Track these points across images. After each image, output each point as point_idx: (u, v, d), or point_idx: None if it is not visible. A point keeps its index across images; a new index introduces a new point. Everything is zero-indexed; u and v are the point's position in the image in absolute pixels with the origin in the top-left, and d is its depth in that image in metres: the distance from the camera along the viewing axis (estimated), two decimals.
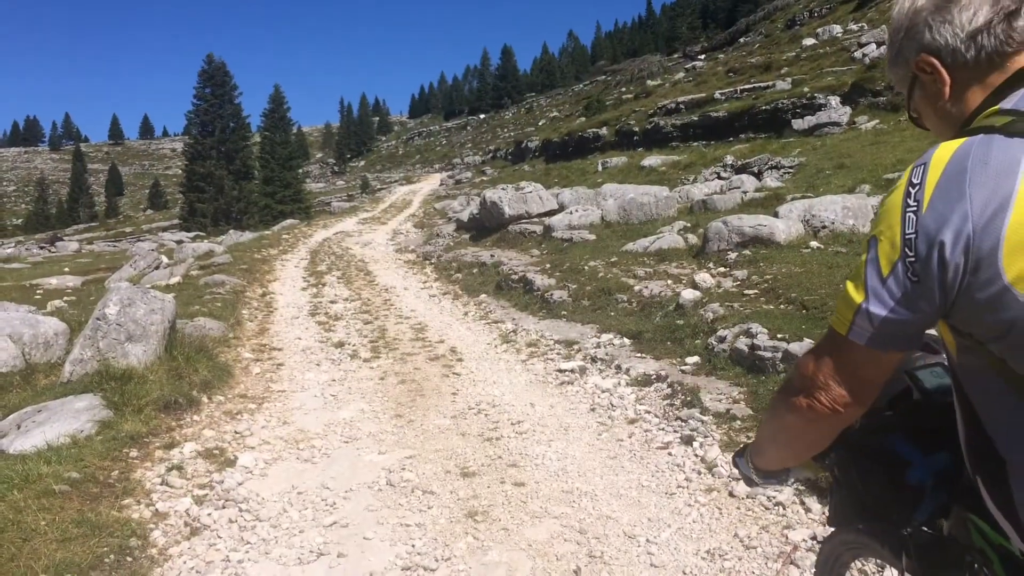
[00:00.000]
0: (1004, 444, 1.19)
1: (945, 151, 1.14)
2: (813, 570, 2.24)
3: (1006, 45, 1.21)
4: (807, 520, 3.89)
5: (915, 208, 1.13)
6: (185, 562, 3.73)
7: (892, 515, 1.51)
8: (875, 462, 1.50)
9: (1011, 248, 1.05)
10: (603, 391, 6.23)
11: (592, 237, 12.96)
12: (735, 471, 1.83)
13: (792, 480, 1.69)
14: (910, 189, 1.14)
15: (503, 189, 17.59)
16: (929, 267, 1.11)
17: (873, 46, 27.53)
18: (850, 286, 1.22)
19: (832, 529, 1.96)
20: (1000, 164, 1.08)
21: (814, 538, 3.71)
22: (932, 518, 1.49)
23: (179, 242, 31.91)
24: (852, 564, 2.08)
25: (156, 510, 4.27)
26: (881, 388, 1.27)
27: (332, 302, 11.71)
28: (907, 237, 1.13)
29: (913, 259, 1.12)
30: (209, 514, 4.27)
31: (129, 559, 3.67)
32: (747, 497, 4.19)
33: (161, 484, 4.61)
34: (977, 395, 1.24)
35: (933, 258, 1.10)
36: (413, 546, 3.87)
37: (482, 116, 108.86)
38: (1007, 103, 1.18)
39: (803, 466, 1.67)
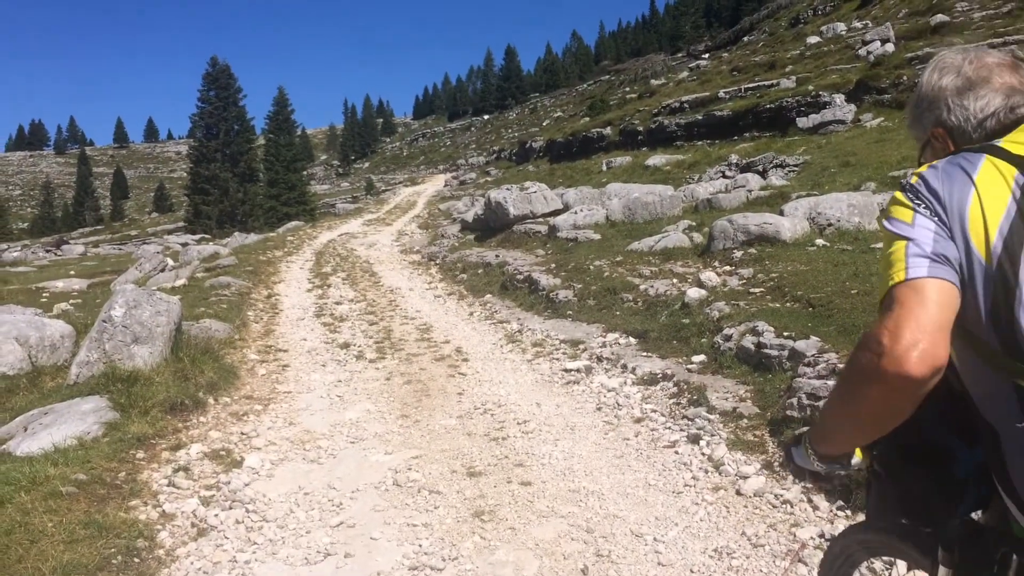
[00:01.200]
0: (992, 415, 1.33)
1: (957, 166, 1.39)
2: (818, 569, 2.24)
3: (1006, 129, 1.47)
4: (815, 518, 3.88)
5: (905, 181, 1.44)
6: (192, 563, 3.74)
7: (938, 510, 1.52)
8: (924, 456, 1.51)
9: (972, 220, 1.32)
10: (609, 390, 6.22)
11: (597, 237, 12.94)
12: (789, 464, 1.80)
13: (854, 468, 1.65)
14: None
15: (508, 189, 17.57)
16: (934, 201, 1.36)
17: (877, 43, 27.44)
18: (892, 250, 1.36)
19: (843, 528, 1.94)
20: (958, 166, 1.39)
21: (822, 536, 3.69)
22: (971, 511, 1.51)
23: (184, 245, 31.98)
24: (862, 564, 2.09)
25: (163, 511, 4.27)
26: (948, 336, 1.28)
27: (337, 303, 11.71)
28: (911, 191, 1.41)
29: (918, 198, 1.38)
30: (216, 515, 4.27)
31: (136, 560, 3.67)
32: (754, 495, 4.18)
33: (168, 485, 4.62)
34: (966, 375, 1.41)
35: (932, 199, 1.37)
36: (420, 546, 3.86)
37: (486, 117, 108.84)
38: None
39: (862, 459, 1.64)
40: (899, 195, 1.41)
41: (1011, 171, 1.33)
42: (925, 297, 1.27)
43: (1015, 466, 1.28)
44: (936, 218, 1.34)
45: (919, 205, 1.36)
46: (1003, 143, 1.40)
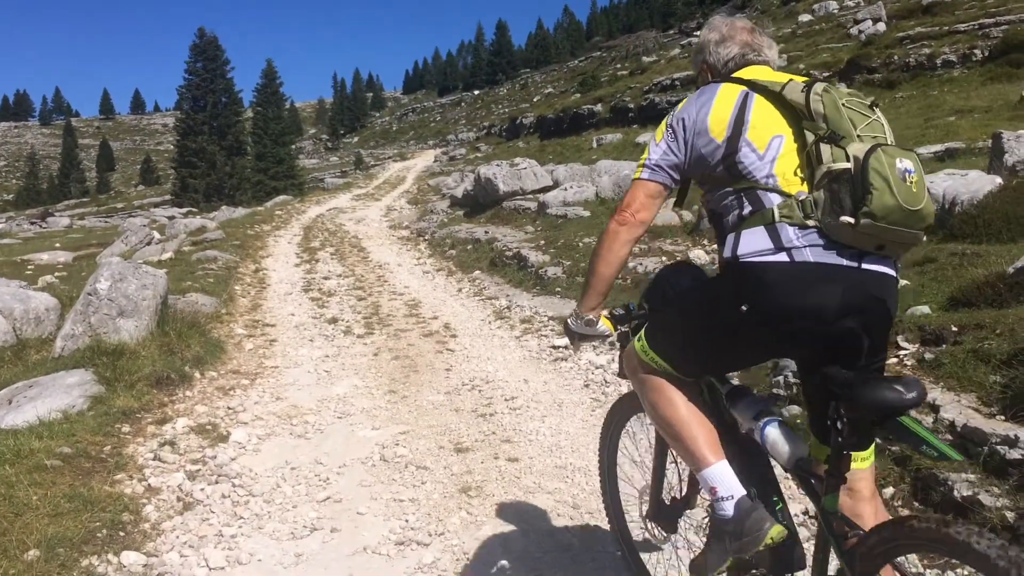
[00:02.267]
0: (732, 223, 2.15)
1: (707, 90, 2.29)
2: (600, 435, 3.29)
3: (739, 67, 2.39)
4: (799, 495, 3.90)
5: (673, 112, 2.31)
6: (178, 537, 3.73)
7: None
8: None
9: (712, 124, 2.18)
10: (597, 367, 6.23)
11: (587, 214, 12.91)
12: (566, 332, 2.64)
13: (601, 335, 2.57)
14: (672, 109, 2.34)
15: (497, 165, 17.49)
16: (678, 131, 2.25)
17: (869, 22, 27.41)
18: (642, 155, 2.32)
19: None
20: (711, 93, 2.25)
21: (806, 512, 3.72)
22: None
23: (171, 218, 31.78)
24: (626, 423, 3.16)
25: (149, 485, 4.26)
26: (654, 209, 2.31)
27: (325, 278, 11.67)
28: (669, 123, 2.29)
29: (671, 131, 2.27)
30: (202, 489, 4.26)
31: (121, 534, 3.66)
32: None
33: (153, 459, 4.60)
34: (716, 200, 2.24)
35: (679, 128, 2.25)
36: (407, 521, 3.87)
37: (476, 92, 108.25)
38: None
39: (606, 324, 2.57)
40: (663, 123, 2.31)
41: (738, 89, 2.22)
42: (643, 190, 2.29)
43: (733, 236, 2.11)
44: (673, 140, 2.25)
45: (667, 133, 2.27)
46: (736, 75, 2.32)
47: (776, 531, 2.10)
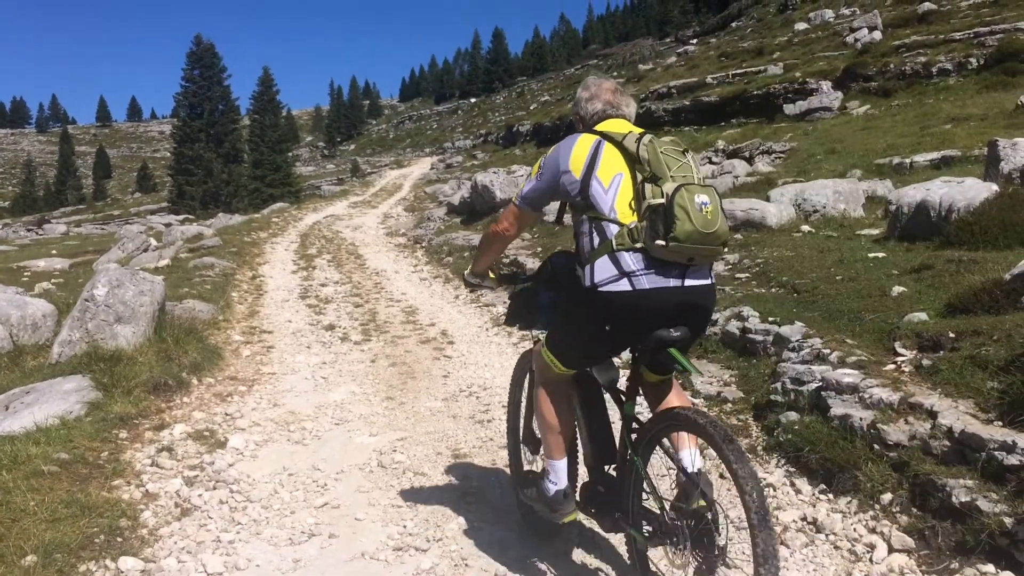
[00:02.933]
0: (587, 249, 2.85)
1: (571, 138, 2.98)
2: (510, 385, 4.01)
3: (601, 120, 3.08)
4: (797, 501, 3.91)
5: (547, 155, 3.04)
6: (176, 542, 3.72)
7: (531, 320, 3.40)
8: (525, 293, 3.42)
9: (572, 164, 2.87)
10: None
11: None
12: (463, 282, 3.85)
13: (489, 286, 3.67)
14: (547, 151, 3.07)
15: (494, 173, 17.54)
16: (547, 170, 2.97)
17: (865, 31, 27.49)
18: (521, 186, 3.12)
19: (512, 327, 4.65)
20: (573, 140, 2.94)
21: (804, 519, 3.73)
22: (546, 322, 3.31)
23: (168, 225, 31.68)
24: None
25: (146, 491, 4.25)
26: (522, 229, 3.25)
27: (323, 285, 11.67)
28: (542, 163, 3.01)
29: (543, 170, 2.99)
30: (200, 495, 4.26)
31: (119, 539, 3.65)
32: None
33: (151, 465, 4.59)
34: (576, 223, 2.93)
35: (548, 168, 2.96)
36: (405, 527, 3.87)
37: (473, 100, 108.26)
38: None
39: (492, 280, 3.57)
40: (538, 162, 3.04)
41: (593, 138, 2.91)
42: (515, 214, 3.15)
43: (589, 267, 2.78)
44: (542, 177, 2.99)
45: (540, 171, 3.01)
46: (596, 127, 3.00)
47: (570, 517, 3.23)
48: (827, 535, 3.57)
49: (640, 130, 2.94)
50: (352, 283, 11.75)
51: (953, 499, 3.31)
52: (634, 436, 2.95)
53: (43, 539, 3.42)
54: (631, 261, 2.68)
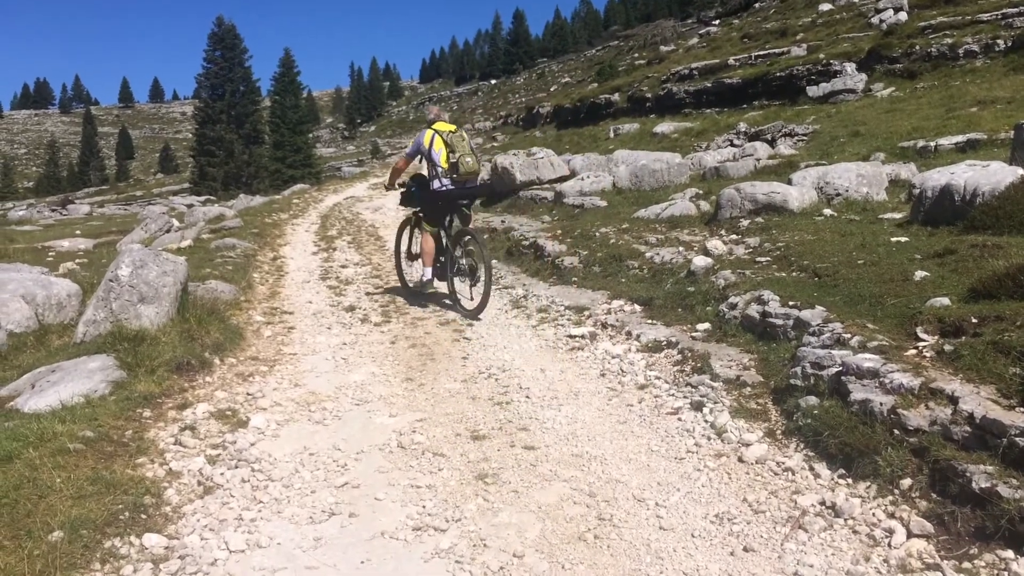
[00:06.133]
0: (431, 176, 8.36)
1: (424, 131, 8.48)
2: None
3: (434, 122, 8.46)
4: (816, 485, 3.91)
5: (415, 137, 8.78)
6: (199, 520, 3.78)
7: (411, 203, 8.78)
8: (408, 194, 8.80)
9: (424, 142, 8.31)
10: (613, 357, 6.24)
11: (603, 203, 12.89)
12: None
13: (395, 189, 9.20)
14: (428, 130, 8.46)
15: (514, 155, 17.46)
16: (418, 142, 8.40)
17: (890, 12, 27.06)
18: (407, 148, 8.94)
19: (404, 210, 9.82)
20: (424, 132, 8.42)
21: (823, 503, 3.73)
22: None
23: (190, 206, 31.96)
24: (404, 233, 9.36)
25: (170, 469, 4.32)
26: (407, 166, 9.21)
27: (343, 266, 11.72)
28: (416, 139, 8.49)
29: (416, 142, 8.47)
30: (222, 473, 4.32)
31: (143, 516, 3.72)
32: (756, 462, 4.21)
33: (174, 444, 4.66)
34: (430, 171, 8.39)
35: (418, 141, 8.41)
36: (424, 507, 3.90)
37: (493, 81, 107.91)
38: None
39: (398, 187, 9.06)
40: (412, 140, 8.71)
41: (431, 132, 8.21)
42: (404, 159, 8.95)
43: (436, 181, 8.26)
44: (412, 147, 8.45)
45: (415, 141, 8.42)
46: (432, 126, 8.31)
47: (430, 286, 8.72)
48: (846, 519, 3.57)
49: (452, 127, 8.10)
50: (372, 265, 11.79)
51: (973, 485, 3.30)
52: (447, 243, 8.38)
53: (69, 515, 3.49)
54: (446, 181, 8.09)
